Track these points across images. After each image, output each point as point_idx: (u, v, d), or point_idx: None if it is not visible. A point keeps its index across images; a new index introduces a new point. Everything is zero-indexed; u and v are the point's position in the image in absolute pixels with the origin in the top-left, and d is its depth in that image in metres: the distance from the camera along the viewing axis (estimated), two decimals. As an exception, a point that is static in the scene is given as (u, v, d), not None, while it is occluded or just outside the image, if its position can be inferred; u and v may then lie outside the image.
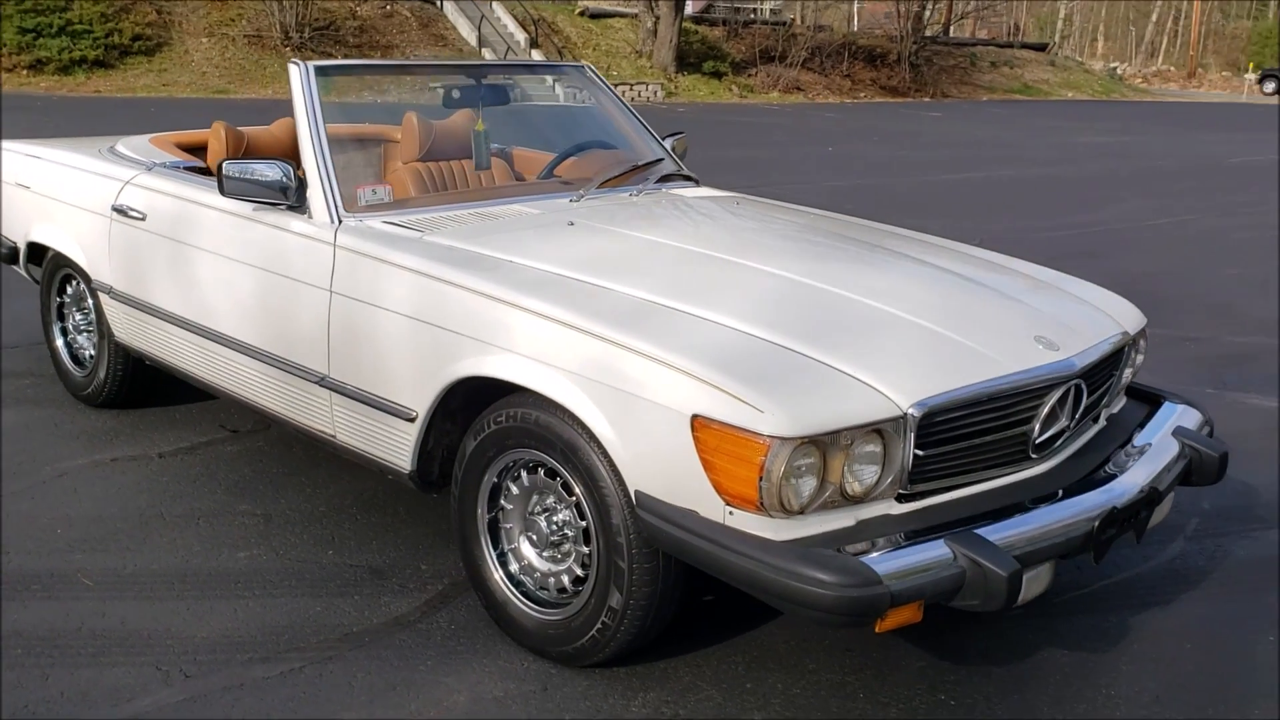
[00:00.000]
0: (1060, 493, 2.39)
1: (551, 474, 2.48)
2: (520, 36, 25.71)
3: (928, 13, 31.80)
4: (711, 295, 2.52)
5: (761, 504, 2.07)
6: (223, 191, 3.06)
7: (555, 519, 2.52)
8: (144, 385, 3.98)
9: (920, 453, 2.19)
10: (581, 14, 27.80)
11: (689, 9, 27.90)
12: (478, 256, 2.73)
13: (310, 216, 3.01)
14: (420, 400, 2.64)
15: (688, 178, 3.74)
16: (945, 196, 11.02)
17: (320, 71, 3.26)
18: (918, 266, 2.96)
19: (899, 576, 2.03)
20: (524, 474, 2.54)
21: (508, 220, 3.10)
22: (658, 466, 2.20)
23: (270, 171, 3.00)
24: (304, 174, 3.05)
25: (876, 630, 2.08)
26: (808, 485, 2.10)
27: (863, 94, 29.87)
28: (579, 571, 2.48)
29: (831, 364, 2.23)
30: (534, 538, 2.58)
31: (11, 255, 4.23)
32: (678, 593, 2.39)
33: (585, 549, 2.44)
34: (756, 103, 26.60)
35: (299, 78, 3.22)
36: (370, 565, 3.00)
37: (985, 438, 2.32)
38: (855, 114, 24.01)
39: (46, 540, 3.07)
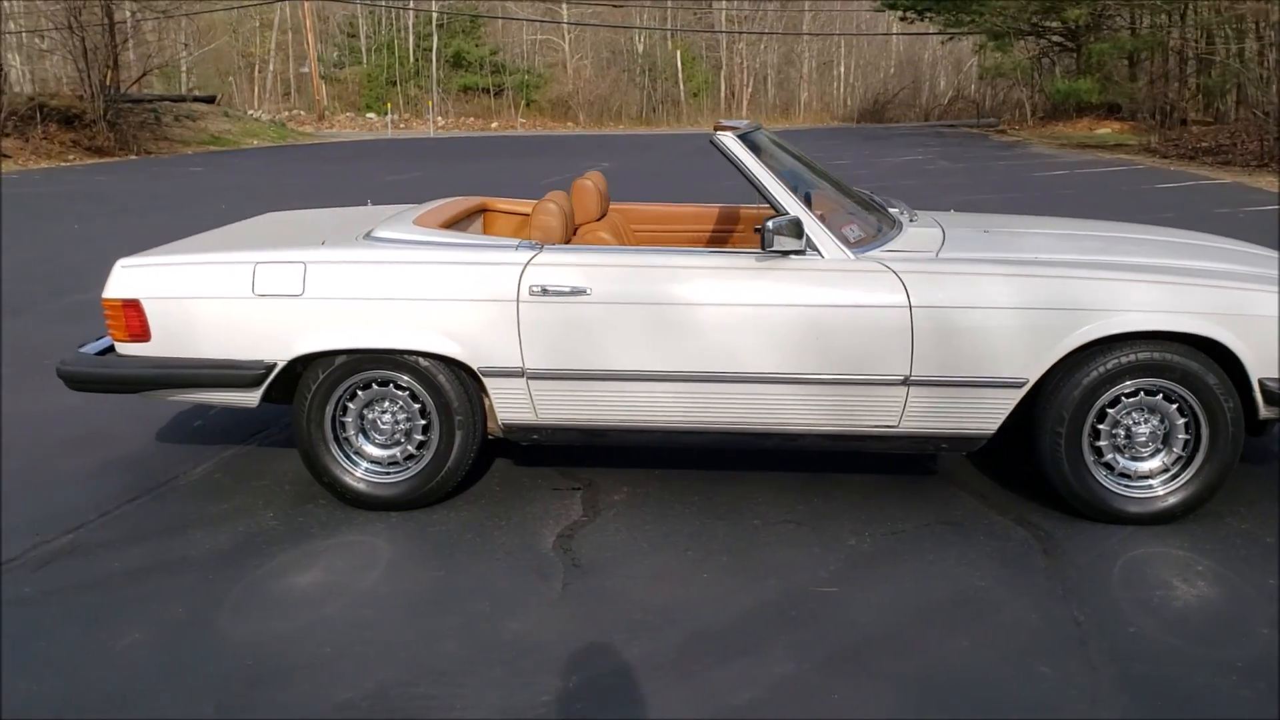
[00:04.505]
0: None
1: (1151, 393, 3.66)
2: None
3: (108, 72, 30.73)
4: (1175, 253, 3.92)
5: None
6: (767, 246, 3.60)
7: (1150, 425, 3.69)
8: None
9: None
10: None
11: None
12: (1031, 259, 3.75)
13: (823, 256, 3.69)
14: (1034, 369, 3.61)
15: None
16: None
17: (742, 137, 3.87)
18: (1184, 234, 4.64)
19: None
20: (1124, 399, 3.67)
21: (954, 236, 4.00)
22: (1270, 357, 3.58)
23: (795, 225, 3.63)
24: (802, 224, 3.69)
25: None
26: None
27: (72, 156, 28.13)
28: (1179, 453, 3.70)
29: None
30: (1140, 443, 3.68)
31: (253, 380, 3.79)
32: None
33: (1184, 436, 3.67)
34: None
35: (734, 145, 3.82)
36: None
37: None
38: (118, 173, 22.79)
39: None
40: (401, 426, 3.89)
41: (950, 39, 47.46)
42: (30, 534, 3.74)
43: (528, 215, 4.96)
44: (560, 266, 3.72)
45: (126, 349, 3.87)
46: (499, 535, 3.70)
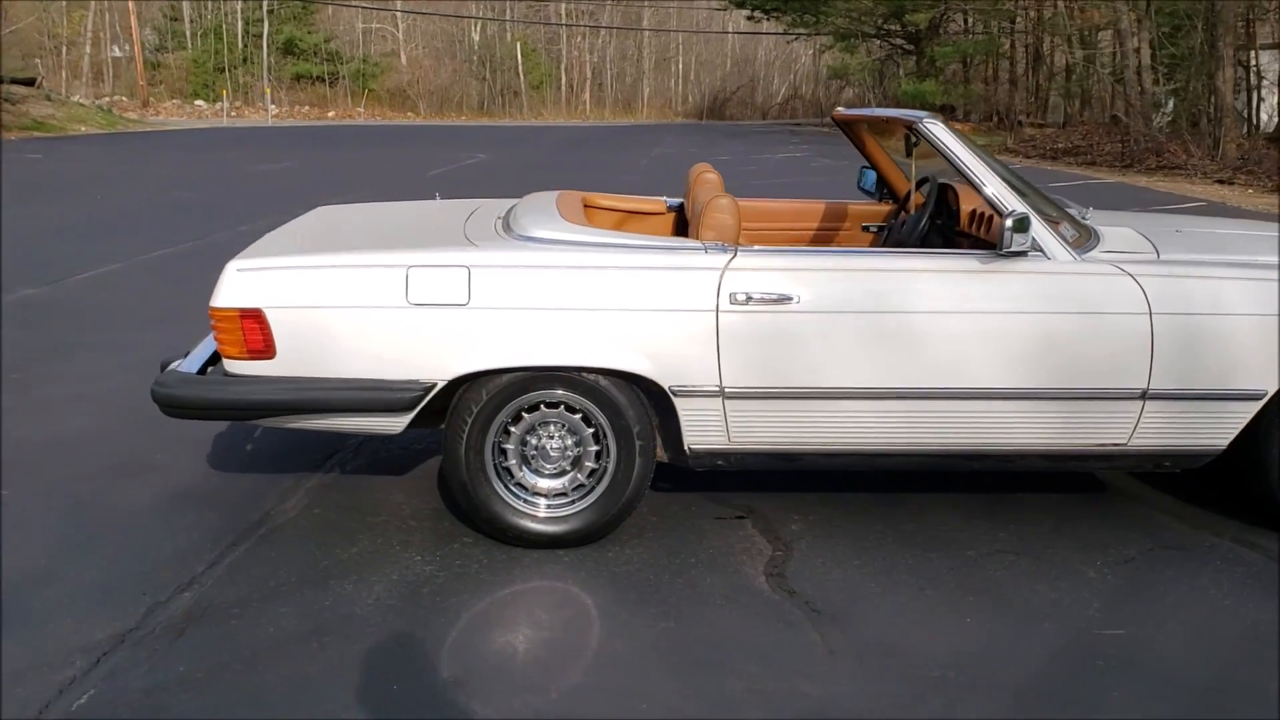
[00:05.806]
0: None
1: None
2: None
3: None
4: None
5: None
6: (1004, 246, 3.26)
7: None
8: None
9: None
10: None
11: None
12: (1253, 262, 3.49)
13: (1049, 258, 3.38)
14: (1274, 380, 3.37)
15: None
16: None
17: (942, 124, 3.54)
18: None
19: None
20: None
21: (1156, 235, 3.72)
22: None
23: (1023, 223, 3.30)
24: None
25: None
26: None
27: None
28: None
29: None
30: None
31: (407, 403, 3.23)
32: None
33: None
34: None
35: (944, 134, 3.48)
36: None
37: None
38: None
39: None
40: (570, 453, 3.38)
41: (794, 39, 48.26)
42: (135, 592, 3.09)
43: (629, 212, 4.50)
44: (762, 271, 3.29)
45: (241, 367, 3.25)
46: (698, 575, 3.25)
